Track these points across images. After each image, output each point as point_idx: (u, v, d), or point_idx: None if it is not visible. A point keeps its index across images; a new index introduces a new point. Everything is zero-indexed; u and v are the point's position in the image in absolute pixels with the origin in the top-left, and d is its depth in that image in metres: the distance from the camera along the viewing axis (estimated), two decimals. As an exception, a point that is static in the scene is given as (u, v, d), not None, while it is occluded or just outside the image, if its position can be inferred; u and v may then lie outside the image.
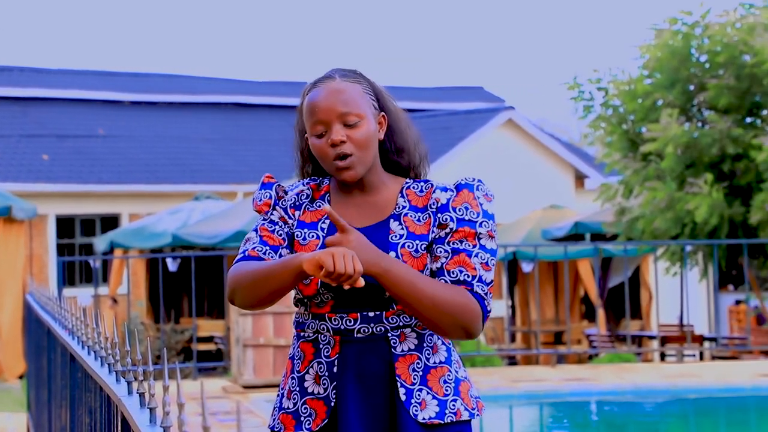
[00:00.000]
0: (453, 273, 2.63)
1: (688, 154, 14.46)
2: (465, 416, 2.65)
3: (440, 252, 2.65)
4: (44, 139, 24.01)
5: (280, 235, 2.72)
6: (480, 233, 2.66)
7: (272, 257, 2.68)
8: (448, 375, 2.67)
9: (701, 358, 14.47)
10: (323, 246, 2.65)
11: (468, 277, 2.62)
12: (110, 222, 22.86)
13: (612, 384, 10.50)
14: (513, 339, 19.13)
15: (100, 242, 17.88)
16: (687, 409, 10.56)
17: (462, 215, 2.67)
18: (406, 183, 2.75)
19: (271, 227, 2.73)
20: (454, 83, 36.11)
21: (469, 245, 2.65)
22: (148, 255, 14.04)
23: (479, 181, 2.73)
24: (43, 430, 6.53)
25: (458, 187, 2.71)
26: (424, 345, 2.65)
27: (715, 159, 14.52)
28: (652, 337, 15.79)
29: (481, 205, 2.69)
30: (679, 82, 14.95)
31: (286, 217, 2.74)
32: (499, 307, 22.27)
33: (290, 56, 78.28)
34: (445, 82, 56.13)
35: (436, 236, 2.67)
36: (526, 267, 17.95)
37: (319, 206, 2.74)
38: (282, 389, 2.73)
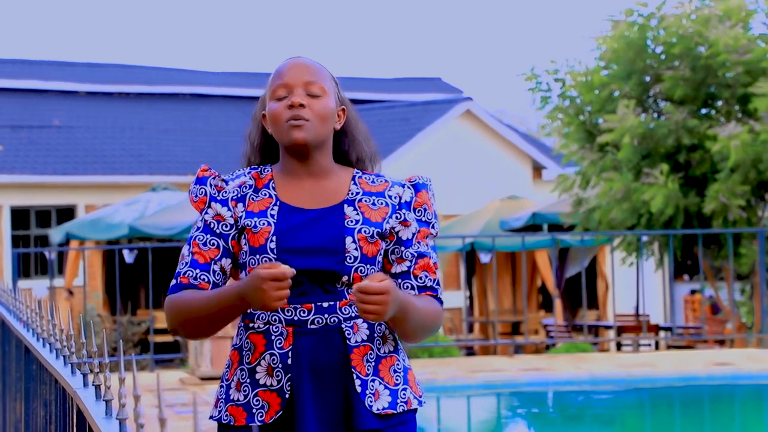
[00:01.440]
0: (420, 278, 2.71)
1: (644, 145, 14.56)
2: (414, 404, 2.69)
3: (407, 255, 2.71)
4: (-1, 129, 23.78)
5: (213, 244, 2.69)
6: (431, 234, 2.74)
7: (205, 280, 2.66)
8: (397, 364, 2.70)
9: (657, 347, 14.59)
10: (276, 233, 2.64)
11: (431, 281, 2.72)
12: (66, 213, 22.69)
13: (569, 374, 10.57)
14: (471, 329, 19.19)
15: (55, 233, 17.74)
16: (643, 398, 10.65)
17: (421, 216, 2.73)
18: (357, 173, 2.77)
19: (203, 238, 2.70)
20: (412, 74, 36.12)
21: (426, 248, 2.73)
22: (105, 246, 13.94)
23: (429, 180, 2.80)
24: (-2, 423, 6.47)
25: (416, 187, 2.75)
26: (375, 335, 2.67)
27: (671, 150, 14.63)
28: (608, 327, 15.90)
29: (433, 205, 2.77)
30: (635, 73, 15.05)
31: (224, 212, 2.70)
32: (456, 298, 22.33)
33: (246, 47, 78.01)
34: (402, 72, 56.14)
35: (399, 236, 2.70)
36: (484, 257, 18.01)
37: (265, 194, 2.71)
38: (228, 381, 2.69)
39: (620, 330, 15.15)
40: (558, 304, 16.51)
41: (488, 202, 19.91)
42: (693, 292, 21.36)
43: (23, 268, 21.81)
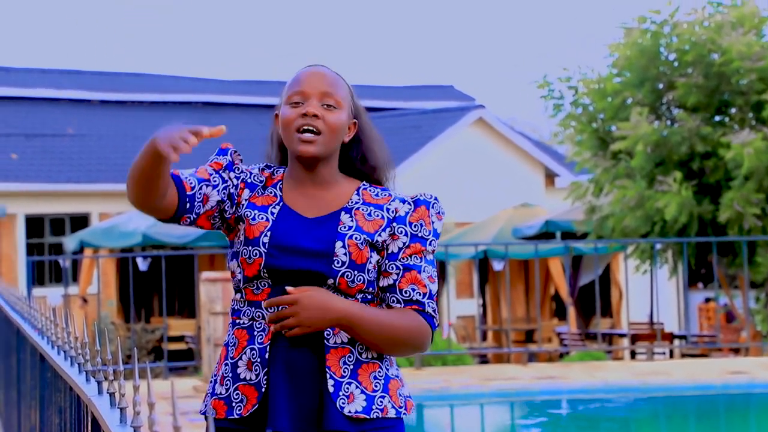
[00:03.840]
0: (406, 292, 2.68)
1: (657, 153, 14.53)
2: (392, 414, 2.68)
3: (392, 269, 2.70)
4: (13, 138, 23.85)
5: (215, 180, 2.71)
6: (427, 250, 2.72)
7: (191, 183, 2.68)
8: (379, 371, 2.69)
9: (671, 355, 14.54)
10: (272, 228, 2.68)
11: (420, 295, 2.69)
12: (80, 221, 22.74)
13: (583, 382, 10.54)
14: (484, 337, 19.16)
15: (69, 242, 17.78)
16: (657, 407, 10.62)
17: (416, 231, 2.72)
18: (363, 185, 2.79)
19: (210, 170, 2.73)
20: (425, 82, 36.15)
21: (418, 260, 2.71)
22: (119, 254, 13.99)
23: (435, 198, 2.78)
24: (13, 430, 6.49)
25: (416, 203, 2.75)
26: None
27: (685, 157, 14.60)
28: (622, 335, 15.86)
29: (432, 223, 2.74)
30: (648, 80, 15.03)
31: (233, 178, 2.75)
32: (470, 306, 22.31)
33: (259, 55, 78.16)
34: (415, 80, 56.18)
35: (388, 250, 2.70)
36: (497, 265, 17.99)
37: (271, 193, 2.76)
38: (215, 375, 2.75)
39: (634, 338, 15.11)
40: (571, 312, 16.47)
41: (501, 209, 19.89)
42: (707, 300, 21.28)
43: (38, 276, 21.86)
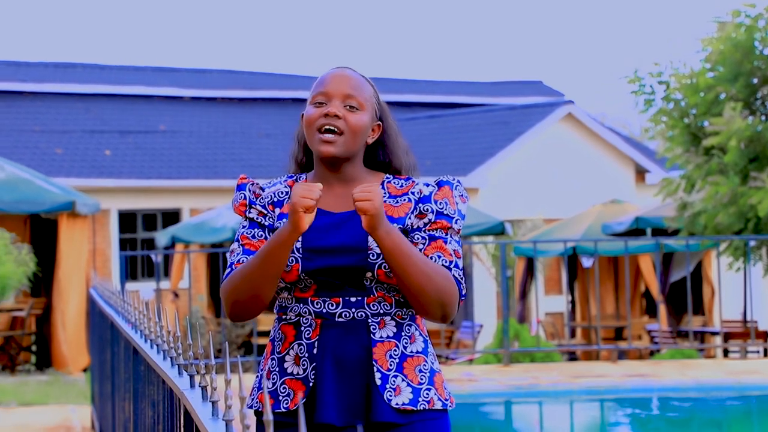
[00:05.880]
0: (431, 258, 2.73)
1: (751, 148, 14.28)
2: (438, 406, 2.73)
3: (418, 239, 2.75)
4: (106, 134, 24.28)
5: (261, 236, 2.81)
6: (453, 228, 2.77)
7: None
8: (424, 365, 2.74)
9: (765, 354, 14.28)
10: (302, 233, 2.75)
11: (446, 262, 2.73)
12: (171, 217, 23.06)
13: (674, 380, 10.40)
14: (573, 335, 19.01)
15: (161, 237, 18.04)
16: (751, 406, 10.43)
17: (441, 209, 2.77)
18: (387, 178, 2.85)
19: (251, 232, 2.82)
20: (513, 77, 35.93)
21: (443, 234, 2.76)
22: (209, 249, 14.18)
23: (458, 181, 2.85)
24: (107, 422, 6.60)
25: (440, 184, 2.81)
26: (402, 334, 2.73)
27: (779, 153, 14.32)
28: (714, 333, 15.61)
29: (457, 203, 2.80)
30: (742, 75, 14.76)
31: (265, 212, 2.83)
32: (558, 303, 22.15)
33: (348, 51, 78.43)
34: (503, 76, 55.89)
35: (414, 225, 2.76)
36: (586, 262, 17.83)
37: None
38: (262, 370, 2.81)
39: (727, 336, 14.87)
40: (662, 309, 16.26)
41: (590, 206, 19.72)
42: (802, 298, 20.85)
43: (130, 270, 22.23)
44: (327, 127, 2.75)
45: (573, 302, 19.99)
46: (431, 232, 2.74)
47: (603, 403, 10.36)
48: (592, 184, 23.62)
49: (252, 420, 2.41)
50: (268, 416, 1.63)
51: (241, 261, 2.78)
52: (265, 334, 16.57)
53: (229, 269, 2.79)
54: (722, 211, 14.10)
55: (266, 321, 17.68)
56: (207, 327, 16.95)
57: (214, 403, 2.22)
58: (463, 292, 2.74)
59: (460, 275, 2.74)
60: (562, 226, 18.54)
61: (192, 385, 2.54)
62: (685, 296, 14.70)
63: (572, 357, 16.53)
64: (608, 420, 10.26)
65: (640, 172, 25.09)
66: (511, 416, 10.32)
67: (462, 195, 2.81)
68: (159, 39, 77.82)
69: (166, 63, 49.61)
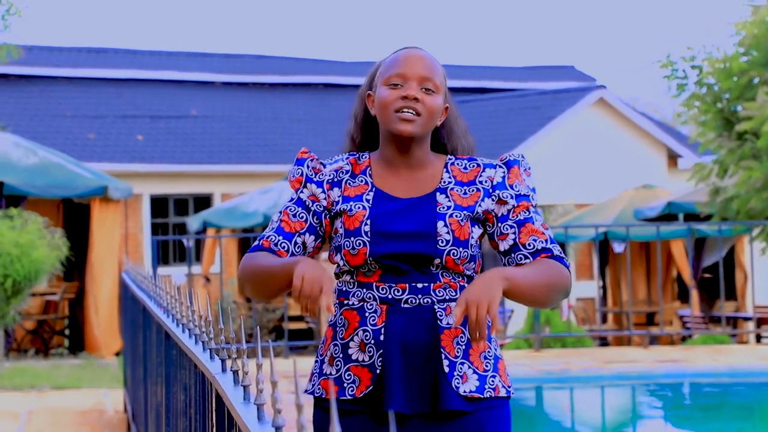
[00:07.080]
0: (529, 245, 2.72)
1: (785, 133, 14.15)
2: (502, 393, 2.72)
3: (506, 229, 2.74)
4: (139, 120, 24.38)
5: (302, 218, 2.77)
6: (532, 205, 2.77)
7: (285, 248, 2.75)
8: (489, 351, 2.73)
9: (798, 340, 14.18)
10: (370, 216, 2.71)
11: (543, 243, 2.73)
12: (203, 202, 23.14)
13: (707, 366, 10.35)
14: (604, 320, 18.96)
15: (193, 221, 18.10)
16: (783, 393, 10.37)
17: (518, 191, 2.77)
18: (449, 159, 2.82)
19: (294, 210, 2.78)
20: (545, 62, 35.78)
21: (528, 214, 2.75)
22: (240, 234, 14.16)
23: (522, 156, 2.84)
24: (140, 406, 6.65)
25: (508, 164, 2.80)
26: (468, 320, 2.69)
27: (814, 137, 14.19)
28: (747, 319, 15.53)
29: (525, 180, 2.80)
30: (776, 59, 14.63)
31: (319, 192, 2.79)
32: (590, 288, 22.08)
33: (379, 36, 78.30)
34: (535, 61, 55.66)
35: (498, 215, 2.74)
36: (618, 247, 17.76)
37: (362, 180, 2.78)
38: (322, 356, 2.77)
39: (760, 322, 14.78)
40: (694, 294, 16.18)
41: (622, 191, 19.62)
42: (836, 283, 20.68)
43: (162, 255, 22.34)
44: (405, 108, 2.71)
45: (604, 287, 19.92)
46: (517, 218, 2.74)
47: (634, 388, 10.33)
48: (624, 169, 23.50)
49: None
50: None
51: (269, 239, 2.76)
52: (296, 319, 16.63)
53: (258, 241, 2.77)
54: (755, 196, 14.00)
55: (297, 306, 17.72)
56: (238, 311, 17.01)
57: (246, 387, 2.23)
58: (568, 264, 2.74)
59: (559, 250, 2.74)
60: (594, 211, 18.46)
61: (224, 370, 2.56)
62: (718, 281, 14.62)
63: (603, 342, 16.48)
64: (640, 405, 10.22)
65: (673, 157, 24.93)
66: (542, 402, 10.30)
67: (527, 168, 2.82)
68: (191, 24, 77.98)
69: (197, 48, 49.73)
